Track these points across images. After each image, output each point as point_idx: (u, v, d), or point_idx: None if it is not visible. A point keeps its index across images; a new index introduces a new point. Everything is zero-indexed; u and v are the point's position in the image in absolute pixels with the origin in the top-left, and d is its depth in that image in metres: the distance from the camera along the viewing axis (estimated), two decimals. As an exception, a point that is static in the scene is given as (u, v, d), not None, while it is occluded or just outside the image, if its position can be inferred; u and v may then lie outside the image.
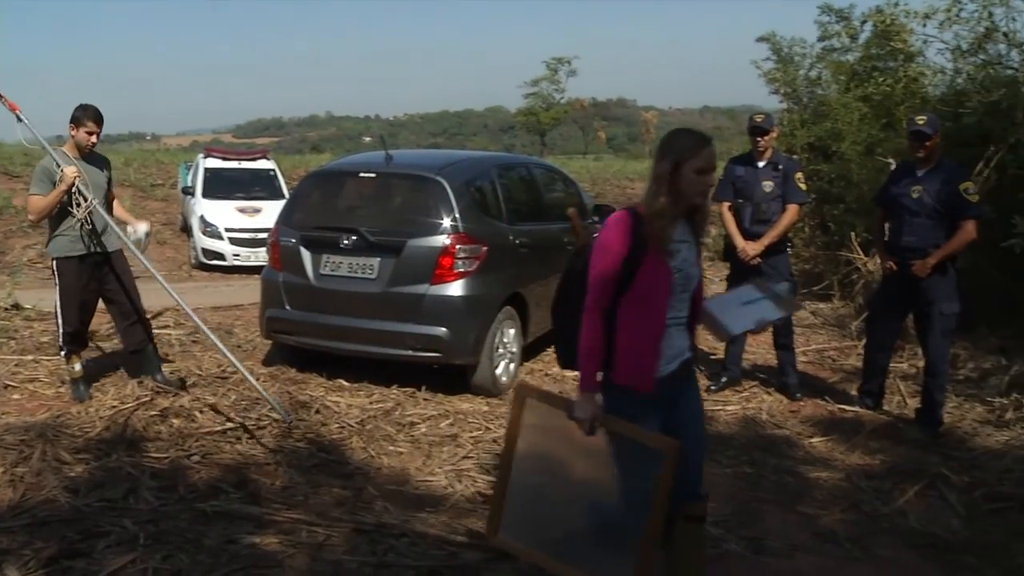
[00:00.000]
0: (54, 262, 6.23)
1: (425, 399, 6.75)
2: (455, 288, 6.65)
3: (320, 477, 5.25)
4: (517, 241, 7.31)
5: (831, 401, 6.93)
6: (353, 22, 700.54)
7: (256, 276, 7.47)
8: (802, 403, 6.89)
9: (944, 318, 5.97)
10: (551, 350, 8.23)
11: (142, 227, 6.46)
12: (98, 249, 6.24)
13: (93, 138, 6.10)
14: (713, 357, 8.12)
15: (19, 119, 6.01)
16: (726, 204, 7.03)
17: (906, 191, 6.06)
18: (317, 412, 6.25)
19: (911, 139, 6.03)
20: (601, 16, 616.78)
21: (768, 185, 6.83)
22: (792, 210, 6.85)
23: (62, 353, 6.41)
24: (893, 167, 6.89)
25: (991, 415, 6.33)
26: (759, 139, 6.86)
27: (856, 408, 6.69)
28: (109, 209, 6.35)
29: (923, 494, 5.15)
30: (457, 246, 6.63)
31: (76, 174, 5.94)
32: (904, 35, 11.11)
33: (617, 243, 3.24)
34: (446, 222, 6.71)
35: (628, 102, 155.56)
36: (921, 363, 6.78)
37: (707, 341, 8.82)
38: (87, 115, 6.04)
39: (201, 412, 6.00)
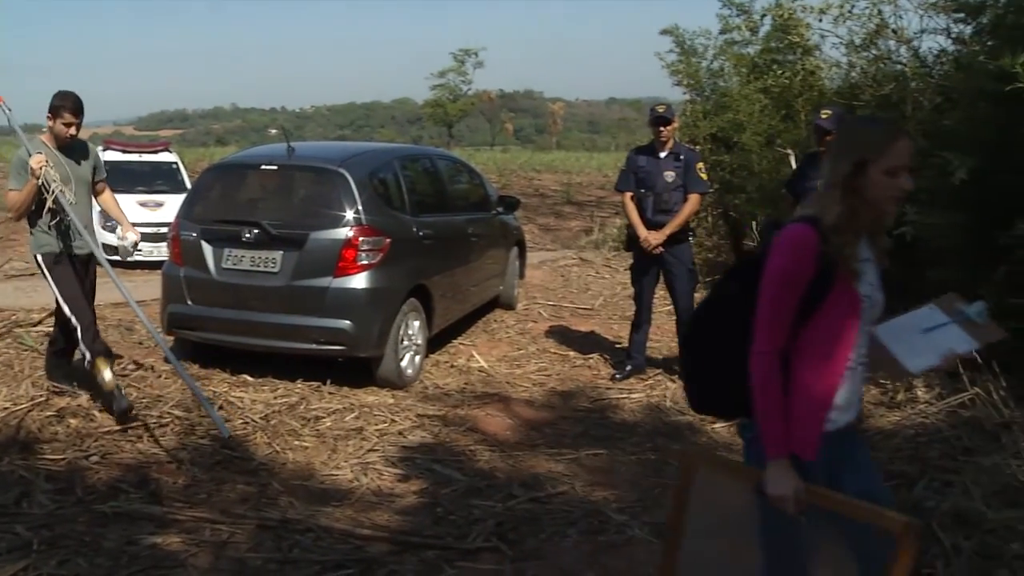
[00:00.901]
0: (39, 258, 5.83)
1: (330, 393, 6.70)
2: (359, 281, 6.61)
3: (224, 474, 5.18)
4: (421, 233, 7.29)
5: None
6: (259, 12, 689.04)
7: (159, 271, 7.31)
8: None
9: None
10: (456, 341, 8.27)
11: (132, 236, 6.03)
12: (79, 251, 5.87)
13: (72, 130, 5.66)
14: (618, 346, 8.21)
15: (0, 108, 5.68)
16: (628, 194, 7.12)
17: (814, 182, 6.13)
18: (221, 408, 6.14)
19: (814, 132, 6.15)
20: (508, 8, 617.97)
21: (670, 175, 6.94)
22: (694, 199, 7.00)
23: (86, 360, 5.77)
24: (803, 157, 7.03)
25: (883, 397, 6.52)
26: (661, 129, 6.94)
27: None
28: (90, 205, 6.01)
29: (820, 475, 5.27)
30: (360, 238, 6.60)
31: (41, 163, 5.46)
32: (801, 29, 11.38)
33: (801, 268, 2.60)
34: (349, 214, 6.67)
35: (535, 94, 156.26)
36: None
37: (611, 329, 8.93)
38: (65, 105, 5.60)
39: (100, 412, 5.86)
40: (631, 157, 7.26)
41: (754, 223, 10.61)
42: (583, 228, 17.56)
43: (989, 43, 7.21)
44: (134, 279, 12.57)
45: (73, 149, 5.84)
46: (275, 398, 6.48)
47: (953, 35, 8.73)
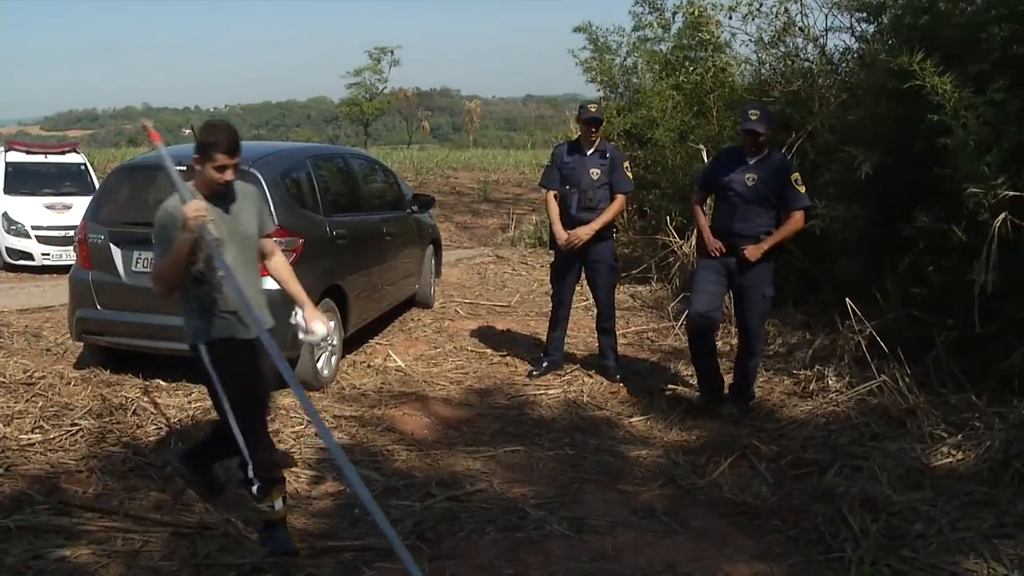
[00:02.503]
0: (201, 348, 4.21)
1: (246, 396, 6.58)
2: (271, 281, 6.50)
3: (137, 481, 5.06)
4: (335, 233, 7.22)
5: (650, 381, 7.16)
6: (172, 9, 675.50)
7: (67, 275, 7.14)
8: (622, 384, 7.06)
9: (765, 301, 6.15)
10: (373, 341, 8.23)
11: (320, 328, 4.49)
12: (246, 334, 4.20)
13: (227, 174, 4.06)
14: (535, 343, 8.26)
15: (157, 150, 4.37)
16: (552, 192, 7.12)
17: (740, 177, 6.04)
18: (134, 414, 6.01)
19: (747, 135, 5.98)
20: (424, 6, 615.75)
21: (595, 172, 6.94)
22: (620, 199, 7.05)
23: (254, 488, 4.10)
24: (720, 153, 6.87)
25: (797, 387, 6.67)
26: (595, 129, 6.97)
27: (674, 387, 6.94)
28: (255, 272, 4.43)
29: (736, 465, 5.37)
30: (272, 239, 6.49)
31: (200, 211, 3.85)
32: (712, 27, 11.58)
33: None
34: (261, 215, 6.56)
35: (452, 92, 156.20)
36: (734, 341, 7.09)
37: (528, 326, 8.97)
38: (219, 143, 4.01)
39: (7, 424, 5.69)
40: (557, 153, 7.23)
41: (668, 218, 10.74)
42: (500, 226, 17.61)
43: (890, 42, 7.43)
44: (41, 284, 12.30)
45: (231, 195, 4.25)
46: (189, 402, 6.35)
47: (857, 34, 8.99)
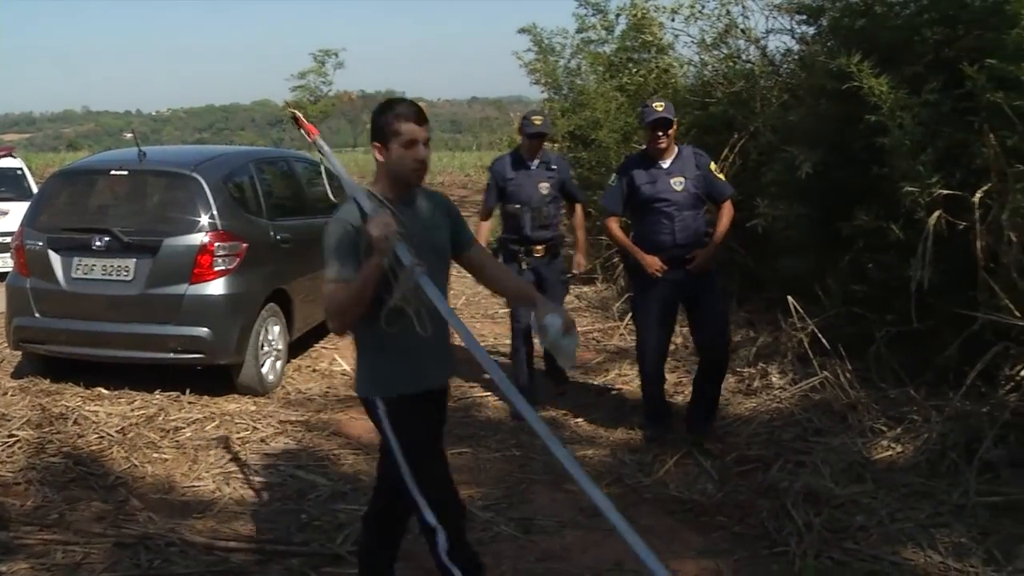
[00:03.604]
0: (379, 403, 3.23)
1: (190, 403, 6.54)
2: (215, 287, 6.49)
3: (78, 492, 5.00)
4: (278, 237, 7.19)
5: (597, 381, 7.22)
6: (112, 11, 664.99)
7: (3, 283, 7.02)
8: (569, 385, 7.09)
9: (726, 302, 6.03)
10: (318, 345, 8.20)
11: (554, 320, 3.20)
12: (437, 381, 3.40)
13: (419, 151, 3.13)
14: (481, 343, 8.24)
15: (315, 144, 3.82)
16: (489, 215, 6.73)
17: (666, 186, 5.54)
18: (75, 423, 5.95)
19: (653, 127, 5.46)
20: (368, 8, 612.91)
21: (544, 187, 6.43)
22: (581, 209, 6.86)
23: None
24: (624, 166, 5.91)
25: (741, 385, 6.74)
26: (540, 143, 6.49)
27: (620, 387, 6.98)
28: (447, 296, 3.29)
29: (681, 463, 5.42)
30: (216, 244, 6.47)
31: (391, 228, 2.96)
32: (655, 28, 11.65)
33: None
34: (203, 219, 6.54)
35: (397, 94, 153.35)
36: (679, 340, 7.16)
37: (474, 327, 8.97)
38: (402, 111, 3.14)
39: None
40: (497, 170, 6.55)
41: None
42: (447, 228, 17.55)
43: (829, 43, 7.53)
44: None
45: (421, 198, 3.33)
46: (132, 410, 6.28)
47: (797, 36, 9.10)
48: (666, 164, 5.60)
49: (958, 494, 4.59)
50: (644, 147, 5.90)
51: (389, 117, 3.10)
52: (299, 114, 3.93)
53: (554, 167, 6.50)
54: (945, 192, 5.49)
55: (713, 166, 5.74)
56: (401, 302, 3.05)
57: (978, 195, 5.27)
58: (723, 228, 5.74)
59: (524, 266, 6.42)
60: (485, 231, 6.75)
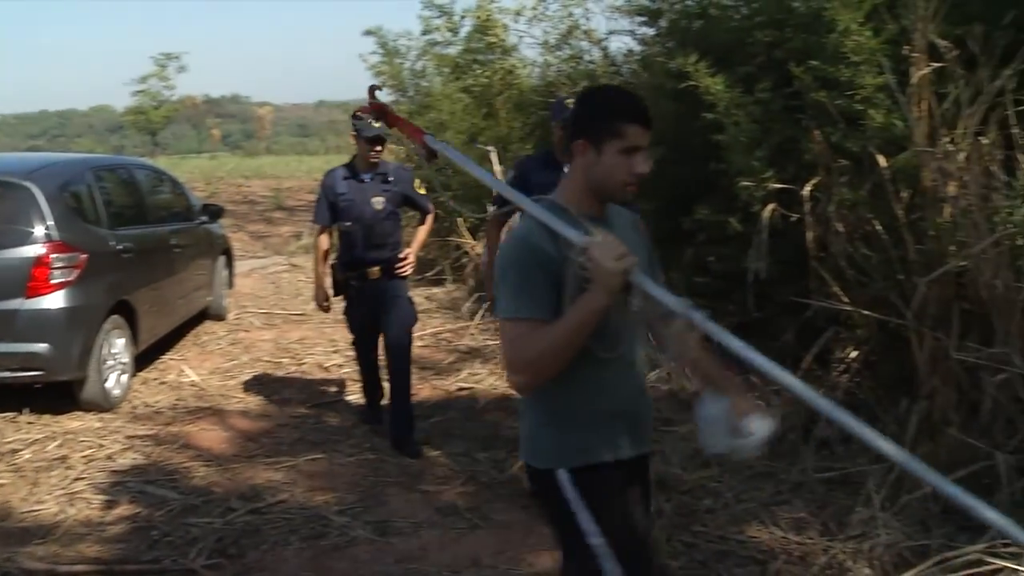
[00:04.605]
0: (562, 477, 2.51)
1: (28, 422, 6.21)
2: (53, 300, 6.16)
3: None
4: (120, 246, 6.90)
5: (447, 381, 7.23)
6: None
7: None
8: (420, 386, 7.05)
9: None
10: (166, 356, 7.93)
11: (762, 426, 2.46)
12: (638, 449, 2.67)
13: (640, 163, 2.37)
14: (331, 349, 8.23)
15: (428, 146, 3.00)
16: (324, 235, 5.94)
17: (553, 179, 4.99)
18: None
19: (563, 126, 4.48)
20: (211, 12, 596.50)
21: (379, 201, 5.63)
22: (431, 219, 6.08)
23: None
24: (522, 163, 5.18)
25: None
26: (378, 149, 5.65)
27: (472, 385, 7.01)
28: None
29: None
30: (52, 255, 6.15)
31: (628, 260, 2.23)
32: (499, 30, 11.78)
33: None
34: (39, 230, 6.20)
35: (242, 98, 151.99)
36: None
37: (324, 332, 8.87)
38: (624, 107, 2.40)
39: None
40: (328, 183, 5.77)
41: (460, 220, 10.86)
42: (293, 233, 17.28)
43: (668, 44, 7.75)
44: None
45: (619, 213, 2.63)
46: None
47: (638, 37, 9.31)
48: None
49: (797, 472, 4.84)
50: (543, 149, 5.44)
51: (611, 112, 2.37)
52: (389, 105, 3.20)
53: (391, 179, 5.70)
54: (778, 186, 5.73)
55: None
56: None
57: (807, 188, 5.54)
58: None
59: (354, 293, 5.84)
60: (321, 246, 5.96)
